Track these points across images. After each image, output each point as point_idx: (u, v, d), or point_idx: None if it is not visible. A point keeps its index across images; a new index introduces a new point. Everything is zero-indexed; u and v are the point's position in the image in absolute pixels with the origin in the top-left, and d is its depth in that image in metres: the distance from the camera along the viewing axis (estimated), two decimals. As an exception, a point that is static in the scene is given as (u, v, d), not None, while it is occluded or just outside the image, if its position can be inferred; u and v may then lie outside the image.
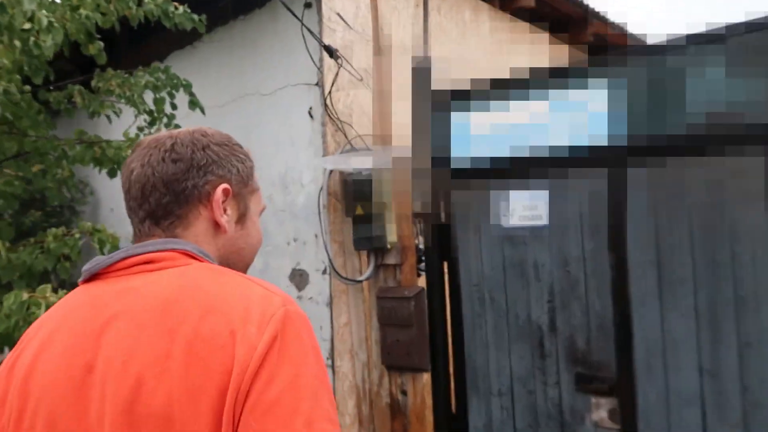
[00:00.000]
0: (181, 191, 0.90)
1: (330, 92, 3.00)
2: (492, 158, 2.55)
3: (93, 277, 0.87)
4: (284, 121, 3.51)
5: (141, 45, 4.91)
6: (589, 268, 2.28)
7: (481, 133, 2.59)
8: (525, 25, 4.66)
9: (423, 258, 2.80)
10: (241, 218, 0.97)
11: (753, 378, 1.92)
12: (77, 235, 2.66)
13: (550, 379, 2.40)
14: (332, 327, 2.96)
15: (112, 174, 2.82)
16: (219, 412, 0.71)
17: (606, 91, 2.24)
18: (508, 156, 2.49)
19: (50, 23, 2.21)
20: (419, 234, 2.83)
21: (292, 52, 3.42)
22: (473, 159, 2.63)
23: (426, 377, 3.32)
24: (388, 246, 2.73)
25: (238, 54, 3.93)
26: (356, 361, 2.94)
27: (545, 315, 2.41)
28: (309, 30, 3.03)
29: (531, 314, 2.45)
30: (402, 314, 2.67)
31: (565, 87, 2.33)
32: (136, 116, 3.26)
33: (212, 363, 0.73)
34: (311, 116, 3.26)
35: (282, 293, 0.83)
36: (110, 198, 5.73)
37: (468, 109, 2.64)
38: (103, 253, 2.70)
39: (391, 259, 2.81)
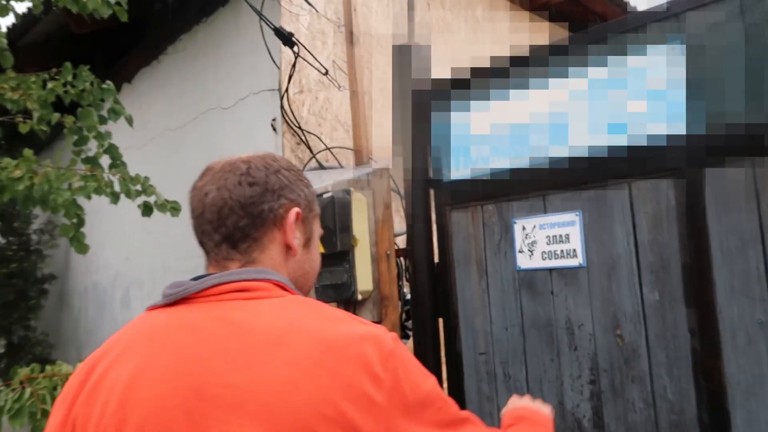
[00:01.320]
0: (258, 214, 0.91)
1: (287, 92, 2.28)
2: (497, 169, 1.77)
3: (178, 302, 0.86)
4: (246, 137, 2.81)
5: (113, 69, 4.36)
6: (654, 332, 1.46)
7: (485, 133, 1.82)
8: (548, 26, 3.91)
9: (409, 313, 2.01)
10: (307, 242, 0.99)
11: None
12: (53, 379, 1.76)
13: (597, 505, 1.55)
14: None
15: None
16: None
17: (664, 56, 1.46)
18: (525, 167, 1.71)
19: None
20: (404, 279, 2.05)
21: (254, 53, 2.74)
22: (474, 171, 1.85)
23: None
24: (359, 296, 1.94)
25: (201, 64, 3.29)
26: None
27: (586, 403, 1.58)
28: (264, 20, 2.34)
29: (564, 401, 1.62)
30: (378, 395, 1.87)
31: (605, 54, 1.55)
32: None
33: (343, 401, 0.74)
34: (274, 129, 2.55)
35: (379, 328, 0.84)
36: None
37: (468, 106, 1.88)
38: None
39: (366, 315, 2.03)
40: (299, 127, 2.31)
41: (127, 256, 4.28)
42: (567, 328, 1.62)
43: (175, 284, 0.87)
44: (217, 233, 0.90)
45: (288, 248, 0.93)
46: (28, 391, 1.58)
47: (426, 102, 1.98)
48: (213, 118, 3.15)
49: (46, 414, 1.59)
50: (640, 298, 1.48)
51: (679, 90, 1.41)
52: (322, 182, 2.05)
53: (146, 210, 2.45)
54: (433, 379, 0.84)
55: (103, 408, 0.79)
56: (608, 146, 1.52)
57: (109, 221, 4.33)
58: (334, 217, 1.95)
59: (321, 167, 2.30)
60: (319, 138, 2.38)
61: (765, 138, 1.29)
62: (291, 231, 0.93)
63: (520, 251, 1.74)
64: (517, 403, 1.19)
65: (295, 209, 0.93)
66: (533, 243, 1.70)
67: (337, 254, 1.96)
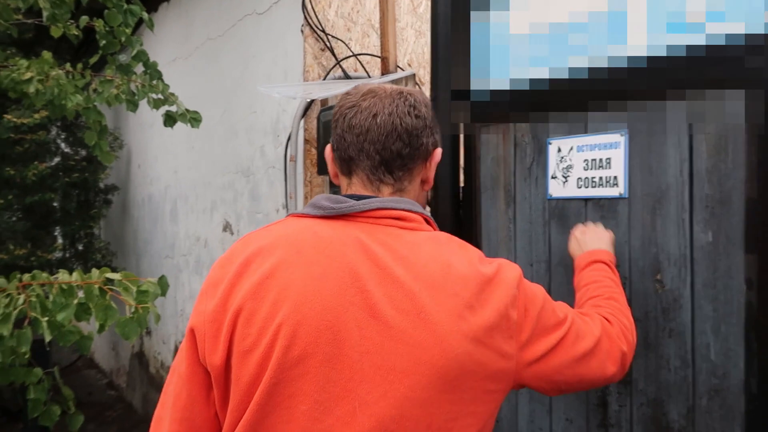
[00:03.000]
0: (418, 146, 0.96)
1: (310, -11, 2.03)
2: (536, 80, 1.49)
3: (337, 217, 0.91)
4: (277, 47, 2.61)
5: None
6: (701, 280, 1.20)
7: (520, 41, 1.53)
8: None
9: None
10: (429, 179, 1.04)
11: None
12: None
13: (616, 467, 1.36)
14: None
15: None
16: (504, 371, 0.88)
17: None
18: (565, 77, 1.43)
19: None
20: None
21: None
22: (508, 83, 1.58)
23: None
24: (374, 221, 1.77)
25: (237, -36, 3.06)
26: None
27: (613, 355, 1.36)
28: None
29: (588, 350, 1.41)
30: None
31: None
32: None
33: (496, 331, 0.85)
34: (303, 34, 2.33)
35: (507, 266, 0.93)
36: (139, 152, 5.18)
37: (508, 4, 1.58)
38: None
39: (383, 241, 1.86)
40: (323, 31, 2.08)
41: (175, 170, 4.29)
42: (599, 268, 1.39)
43: (334, 199, 0.93)
44: (378, 155, 0.94)
45: (424, 182, 1.02)
46: (21, 297, 1.56)
47: (464, 5, 1.69)
48: (248, 24, 2.96)
49: (36, 322, 1.57)
50: (689, 239, 1.22)
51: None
52: (329, 91, 1.84)
53: (168, 120, 2.34)
54: (541, 290, 0.97)
55: (274, 306, 0.83)
56: (667, 47, 1.21)
57: (161, 134, 4.32)
58: (350, 131, 1.75)
59: (346, 77, 2.08)
60: (346, 44, 2.14)
61: None
62: (433, 168, 1.02)
63: (553, 177, 1.49)
64: (590, 245, 1.27)
65: (440, 149, 1.02)
66: (568, 168, 1.45)
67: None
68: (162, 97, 2.30)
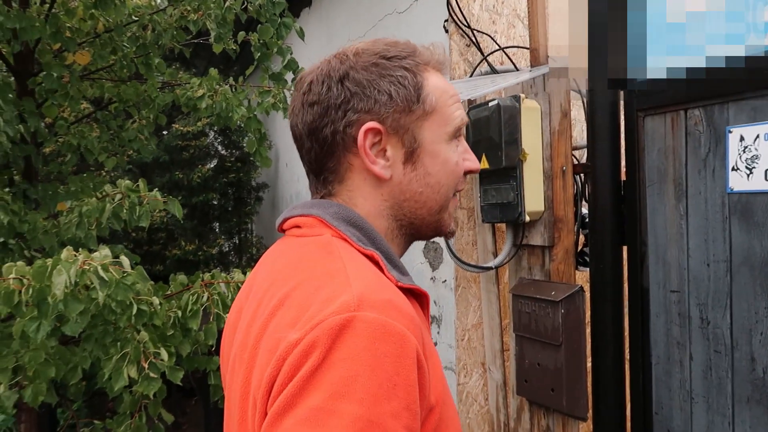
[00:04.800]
0: (323, 141, 0.76)
1: (455, -15, 2.01)
2: (710, 59, 1.36)
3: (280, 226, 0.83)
4: (419, 42, 2.63)
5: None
6: None
7: (691, 17, 1.41)
8: None
9: (587, 239, 1.74)
10: (411, 156, 0.77)
11: None
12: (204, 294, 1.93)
13: (819, 492, 1.22)
14: (455, 327, 2.08)
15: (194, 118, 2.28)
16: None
17: None
18: (748, 55, 1.29)
19: None
20: (582, 200, 1.77)
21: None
22: (676, 67, 1.46)
23: (584, 428, 2.25)
24: (527, 218, 1.72)
25: (377, -33, 3.13)
26: (489, 379, 2.03)
27: (815, 368, 1.21)
28: None
29: (782, 361, 1.27)
30: (545, 326, 1.68)
31: None
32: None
33: (263, 364, 0.63)
34: (446, 30, 2.33)
35: (372, 291, 0.62)
36: (286, 151, 5.50)
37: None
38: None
39: (536, 238, 1.80)
40: (468, 26, 2.05)
41: (302, 176, 4.50)
42: (794, 269, 1.24)
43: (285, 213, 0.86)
44: (304, 163, 0.83)
45: (376, 176, 0.77)
46: (205, 294, 1.73)
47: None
48: (390, 23, 3.01)
49: (218, 317, 1.74)
50: None
51: None
52: (495, 87, 1.81)
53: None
54: (369, 403, 0.56)
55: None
56: None
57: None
58: (500, 128, 1.72)
59: (493, 71, 2.04)
60: (491, 37, 2.10)
61: None
62: (365, 154, 0.75)
63: (734, 169, 1.35)
64: None
65: (367, 125, 0.74)
66: (754, 158, 1.31)
67: (503, 170, 1.75)
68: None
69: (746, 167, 1.32)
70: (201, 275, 1.91)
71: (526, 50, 2.09)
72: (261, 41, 2.68)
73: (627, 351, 1.65)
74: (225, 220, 5.57)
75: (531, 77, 1.77)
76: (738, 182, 1.34)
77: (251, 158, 5.94)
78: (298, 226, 0.78)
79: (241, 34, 2.67)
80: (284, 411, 0.56)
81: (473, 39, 2.06)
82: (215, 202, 5.74)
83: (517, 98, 1.73)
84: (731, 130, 1.35)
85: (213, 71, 2.36)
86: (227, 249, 5.73)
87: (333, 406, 0.54)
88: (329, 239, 0.73)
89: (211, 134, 5.88)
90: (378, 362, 0.57)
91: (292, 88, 2.61)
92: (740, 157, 1.33)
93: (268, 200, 6.11)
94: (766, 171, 1.28)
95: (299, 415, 0.55)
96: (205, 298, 1.73)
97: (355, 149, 0.76)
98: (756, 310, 1.32)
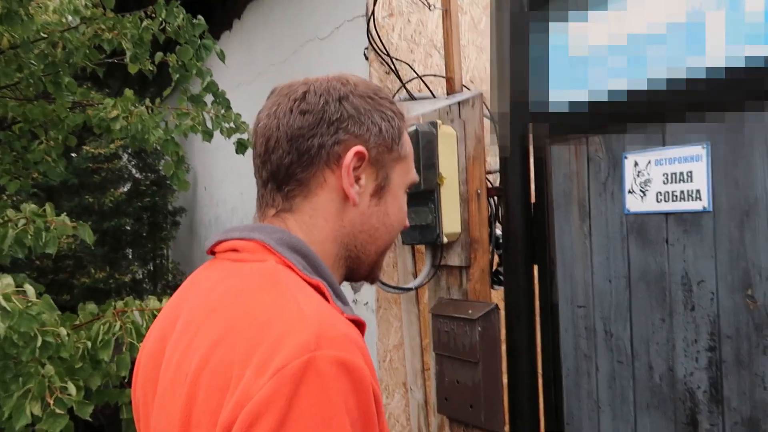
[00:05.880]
0: (305, 150, 0.75)
1: (373, 15, 2.09)
2: (607, 93, 1.49)
3: (211, 249, 0.80)
4: (341, 68, 2.67)
5: (227, 4, 4.44)
6: (798, 295, 1.17)
7: (587, 54, 1.53)
8: None
9: (501, 259, 1.82)
10: (379, 191, 0.80)
11: None
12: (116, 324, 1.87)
13: (710, 488, 1.33)
14: (377, 349, 2.11)
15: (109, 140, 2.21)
16: None
17: None
18: (640, 89, 1.42)
19: None
20: (496, 221, 1.86)
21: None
22: (578, 98, 1.58)
23: None
24: (444, 239, 1.79)
25: (299, -8, 3.18)
26: (411, 399, 2.07)
27: (702, 372, 1.33)
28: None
29: (675, 368, 1.39)
30: (463, 344, 1.74)
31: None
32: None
33: (210, 402, 0.60)
34: (366, 58, 2.39)
35: (328, 326, 0.61)
36: (204, 175, 5.39)
37: (567, 17, 1.59)
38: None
39: (454, 259, 1.87)
40: (387, 55, 2.13)
41: (241, 192, 4.44)
42: (684, 283, 1.36)
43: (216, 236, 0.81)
44: (264, 169, 0.78)
45: (346, 196, 0.77)
46: (117, 324, 1.66)
47: (524, 19, 1.71)
48: (311, 50, 3.05)
49: (131, 347, 1.67)
50: (781, 252, 1.19)
51: None
52: (413, 113, 1.88)
53: (240, 147, 2.45)
54: None
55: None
56: (746, 59, 1.19)
57: (226, 158, 4.48)
58: (419, 153, 1.79)
59: (411, 98, 2.12)
60: (410, 66, 2.19)
61: None
62: (347, 174, 0.76)
63: (630, 192, 1.47)
64: None
65: (356, 147, 0.76)
66: (647, 182, 1.43)
67: (422, 193, 1.81)
68: (234, 126, 2.42)
69: (640, 190, 1.44)
70: (113, 303, 1.83)
71: (442, 78, 2.18)
72: (180, 62, 2.64)
73: (540, 365, 1.73)
74: (139, 246, 5.35)
75: (447, 104, 1.85)
76: (634, 204, 1.46)
77: (168, 182, 5.77)
78: (235, 250, 0.75)
79: (159, 54, 2.62)
80: None
81: (392, 67, 2.14)
82: (128, 227, 5.51)
83: (434, 124, 1.80)
84: (627, 156, 1.47)
85: (128, 92, 2.29)
86: (141, 276, 5.49)
87: None
88: (274, 266, 0.71)
89: (125, 157, 5.66)
90: (345, 402, 0.57)
91: (211, 111, 2.60)
92: (635, 180, 1.45)
93: (186, 225, 5.94)
94: (657, 193, 1.40)
95: None
96: (117, 328, 1.65)
97: (335, 167, 0.76)
98: (652, 321, 1.43)
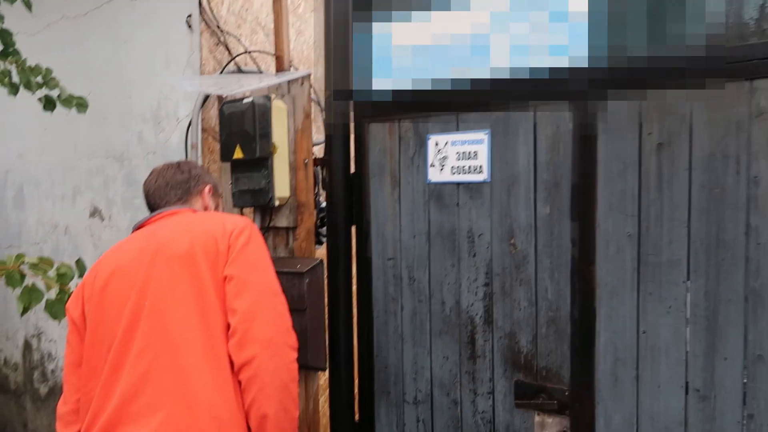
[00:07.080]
0: (188, 189, 1.75)
1: (206, -12, 2.18)
2: (417, 85, 1.85)
3: (146, 223, 1.68)
4: (159, 36, 2.67)
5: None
6: (542, 242, 1.65)
7: (407, 50, 1.87)
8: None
9: (324, 220, 2.10)
10: (216, 207, 1.85)
11: (761, 404, 1.36)
12: None
13: (481, 388, 1.79)
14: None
15: None
16: (214, 255, 1.51)
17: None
18: (443, 88, 1.80)
19: None
20: (321, 188, 2.13)
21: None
22: (394, 85, 1.92)
23: (323, 378, 2.67)
24: (276, 202, 2.01)
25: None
26: (236, 350, 2.25)
27: (479, 302, 1.78)
28: None
29: (461, 301, 1.82)
30: (292, 295, 1.98)
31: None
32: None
33: (210, 232, 1.53)
34: (190, 27, 2.44)
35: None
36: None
37: (390, 16, 1.91)
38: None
39: (282, 221, 2.10)
40: (218, 27, 2.24)
41: (20, 153, 4.01)
42: (468, 237, 1.79)
43: (141, 219, 1.70)
44: (164, 199, 1.72)
45: (206, 207, 1.78)
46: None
47: (346, 11, 1.99)
48: (120, 7, 2.94)
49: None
50: (533, 212, 1.67)
51: (583, 22, 1.53)
52: (240, 87, 2.04)
53: (48, 104, 2.32)
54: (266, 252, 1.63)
55: (95, 288, 1.58)
56: (517, 69, 1.63)
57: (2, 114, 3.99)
58: (254, 123, 1.96)
59: (239, 71, 2.26)
60: (238, 40, 2.32)
61: (648, 74, 1.45)
62: (207, 197, 1.79)
63: (431, 165, 1.86)
64: None
65: (209, 186, 1.80)
66: (444, 158, 1.83)
67: (256, 160, 2.00)
68: (42, 80, 2.27)
69: (439, 164, 1.84)
70: None
71: (266, 55, 2.35)
72: (-36, 4, 2.37)
73: (356, 311, 2.06)
74: None
75: (278, 81, 2.05)
76: (434, 175, 1.85)
77: None
78: (175, 213, 1.67)
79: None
80: (246, 244, 1.53)
81: (222, 39, 2.25)
82: None
83: (268, 98, 1.99)
84: (430, 137, 1.85)
85: None
86: None
87: (263, 248, 1.60)
88: (205, 212, 1.76)
89: None
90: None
91: (7, 62, 2.38)
92: (436, 156, 1.84)
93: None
94: (452, 167, 1.81)
95: (252, 245, 1.55)
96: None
97: (202, 193, 1.78)
98: (445, 267, 1.84)
